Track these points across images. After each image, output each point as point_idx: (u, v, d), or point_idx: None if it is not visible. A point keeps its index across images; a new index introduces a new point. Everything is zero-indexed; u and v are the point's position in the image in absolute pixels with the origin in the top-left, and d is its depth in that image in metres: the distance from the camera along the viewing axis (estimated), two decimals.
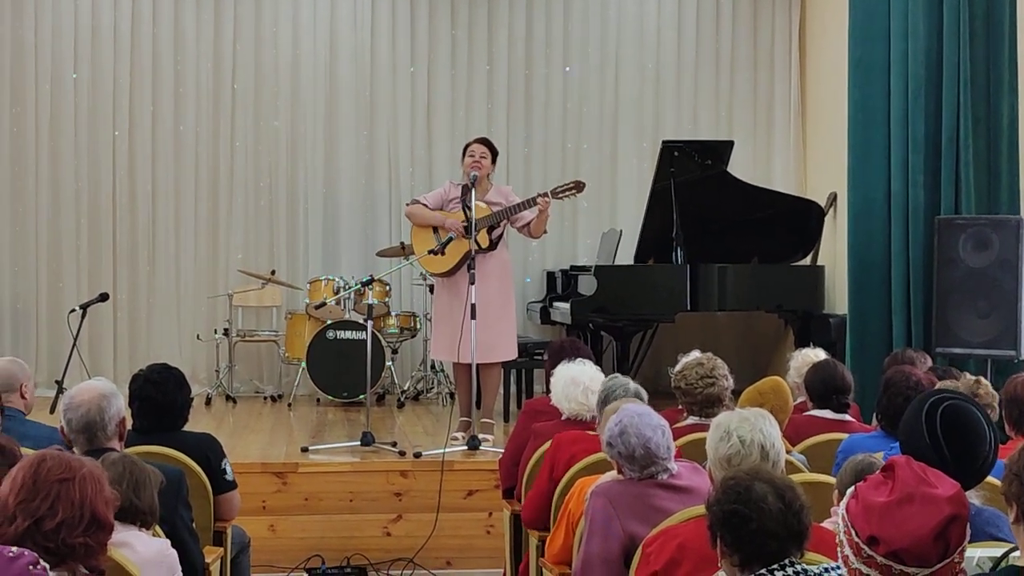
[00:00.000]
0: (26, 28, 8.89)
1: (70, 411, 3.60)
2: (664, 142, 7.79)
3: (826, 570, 2.40)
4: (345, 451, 6.38)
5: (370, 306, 6.84)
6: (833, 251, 8.31)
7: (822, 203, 8.27)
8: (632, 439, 3.33)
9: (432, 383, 8.64)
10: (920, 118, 6.88)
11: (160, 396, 4.09)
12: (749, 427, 2.98)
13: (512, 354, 6.83)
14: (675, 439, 3.51)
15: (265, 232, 9.13)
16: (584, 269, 8.01)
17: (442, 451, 6.14)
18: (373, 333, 6.98)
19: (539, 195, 6.50)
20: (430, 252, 6.49)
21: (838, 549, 2.23)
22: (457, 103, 9.24)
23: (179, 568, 3.05)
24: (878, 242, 7.15)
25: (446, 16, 9.23)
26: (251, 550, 4.77)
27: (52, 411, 6.57)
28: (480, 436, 6.41)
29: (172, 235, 9.04)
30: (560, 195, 6.57)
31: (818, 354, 5.15)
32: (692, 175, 7.68)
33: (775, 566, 2.37)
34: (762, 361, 8.82)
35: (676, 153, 7.65)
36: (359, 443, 6.38)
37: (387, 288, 8.39)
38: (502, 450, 5.46)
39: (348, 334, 8.05)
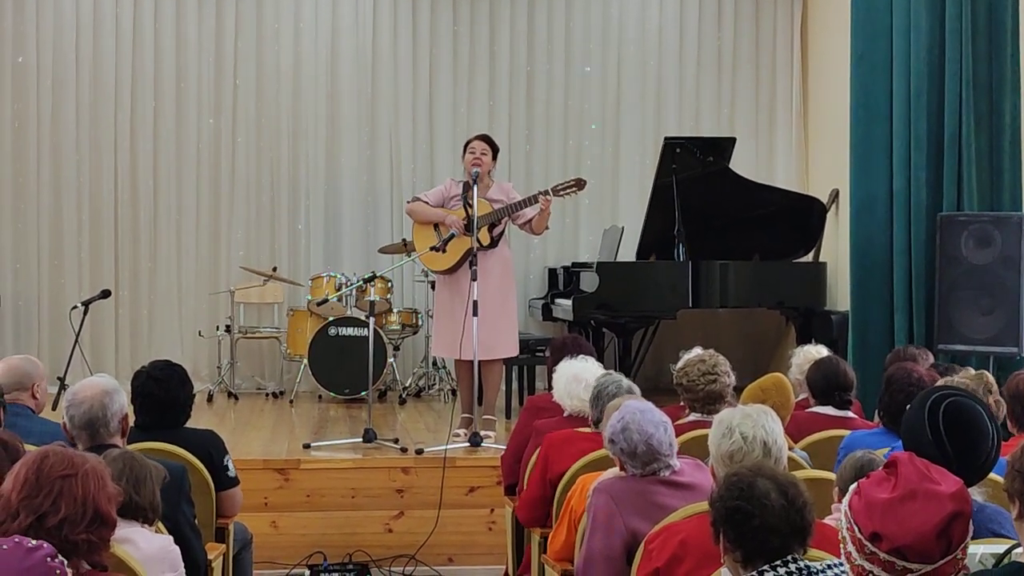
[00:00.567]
0: (27, 24, 8.87)
1: (73, 407, 3.61)
2: (666, 138, 7.78)
3: (829, 567, 2.40)
4: (347, 448, 6.39)
5: (372, 303, 6.84)
6: (835, 248, 8.30)
7: (824, 200, 8.26)
8: (634, 435, 3.33)
9: (434, 380, 8.63)
10: (922, 115, 6.88)
11: (162, 393, 4.09)
12: (751, 423, 2.98)
13: (514, 351, 6.83)
14: (677, 436, 3.51)
15: (267, 229, 9.12)
16: (586, 266, 8.00)
17: (444, 448, 6.15)
18: (375, 330, 6.98)
19: (540, 193, 6.50)
20: (431, 249, 6.49)
21: (841, 546, 2.23)
22: (459, 100, 9.22)
23: (181, 564, 3.06)
24: (880, 239, 7.15)
25: (448, 13, 9.22)
26: (253, 546, 4.78)
27: (55, 407, 6.56)
28: (482, 433, 6.41)
29: (174, 232, 9.03)
30: (561, 193, 6.56)
31: (820, 351, 5.15)
32: (694, 172, 7.66)
33: (778, 562, 2.38)
34: (764, 358, 8.81)
35: (678, 150, 7.63)
36: (361, 440, 6.37)
37: (389, 285, 8.38)
38: (504, 447, 5.47)
39: (350, 331, 8.06)
